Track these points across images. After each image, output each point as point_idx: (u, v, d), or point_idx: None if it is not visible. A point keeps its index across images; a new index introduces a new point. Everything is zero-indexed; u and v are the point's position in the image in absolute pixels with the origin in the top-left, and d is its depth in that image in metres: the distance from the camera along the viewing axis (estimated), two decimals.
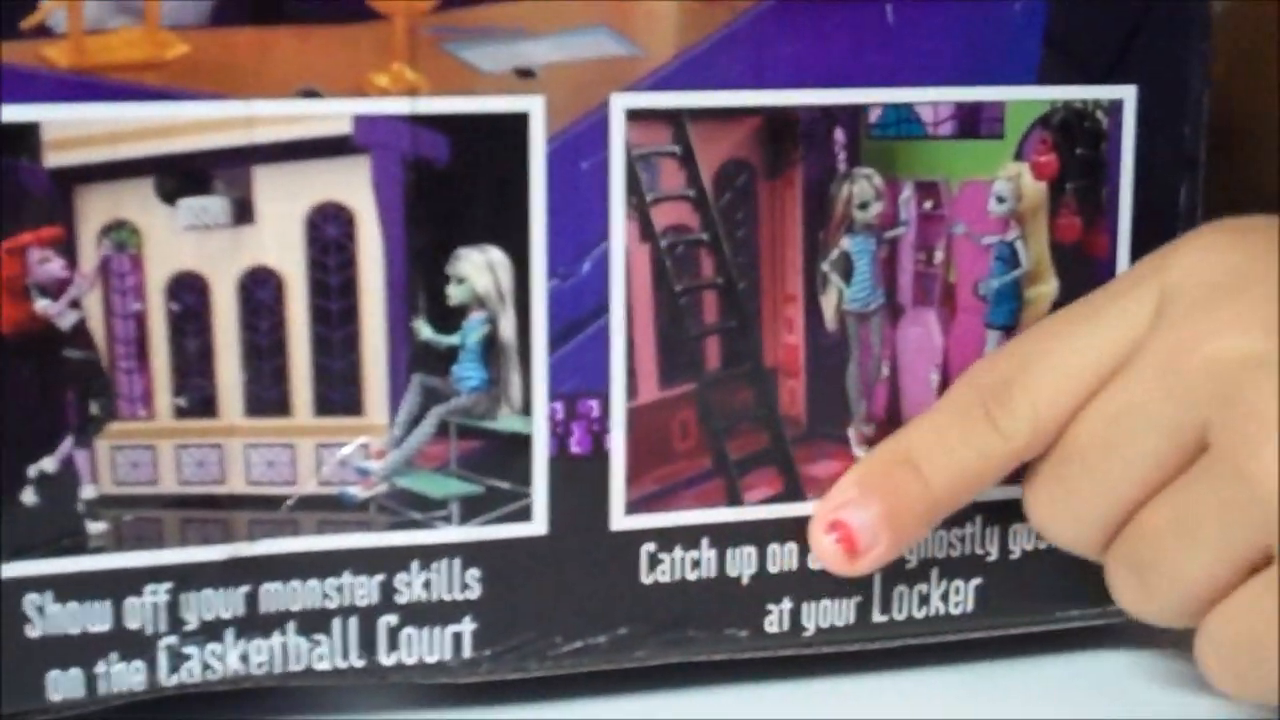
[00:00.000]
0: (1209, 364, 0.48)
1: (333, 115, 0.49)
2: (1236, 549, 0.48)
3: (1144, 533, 0.50)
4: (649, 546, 0.53)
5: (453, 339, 0.51)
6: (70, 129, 0.47)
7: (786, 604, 0.54)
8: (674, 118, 0.51)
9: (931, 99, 0.53)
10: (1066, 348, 0.51)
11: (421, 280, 0.50)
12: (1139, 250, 0.55)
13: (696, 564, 0.54)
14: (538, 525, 0.52)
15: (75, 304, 0.48)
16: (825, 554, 0.53)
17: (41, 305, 0.48)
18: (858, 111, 0.53)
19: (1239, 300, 0.49)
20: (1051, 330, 0.52)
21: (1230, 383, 0.47)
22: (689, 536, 0.53)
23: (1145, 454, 0.49)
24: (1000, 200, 0.54)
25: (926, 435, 0.53)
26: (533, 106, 0.50)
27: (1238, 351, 0.47)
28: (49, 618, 0.49)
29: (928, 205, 0.54)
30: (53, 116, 0.47)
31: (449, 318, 0.51)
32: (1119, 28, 0.54)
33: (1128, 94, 0.54)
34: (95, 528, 0.50)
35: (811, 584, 0.54)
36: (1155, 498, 0.50)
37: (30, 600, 0.49)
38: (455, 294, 0.51)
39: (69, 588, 0.49)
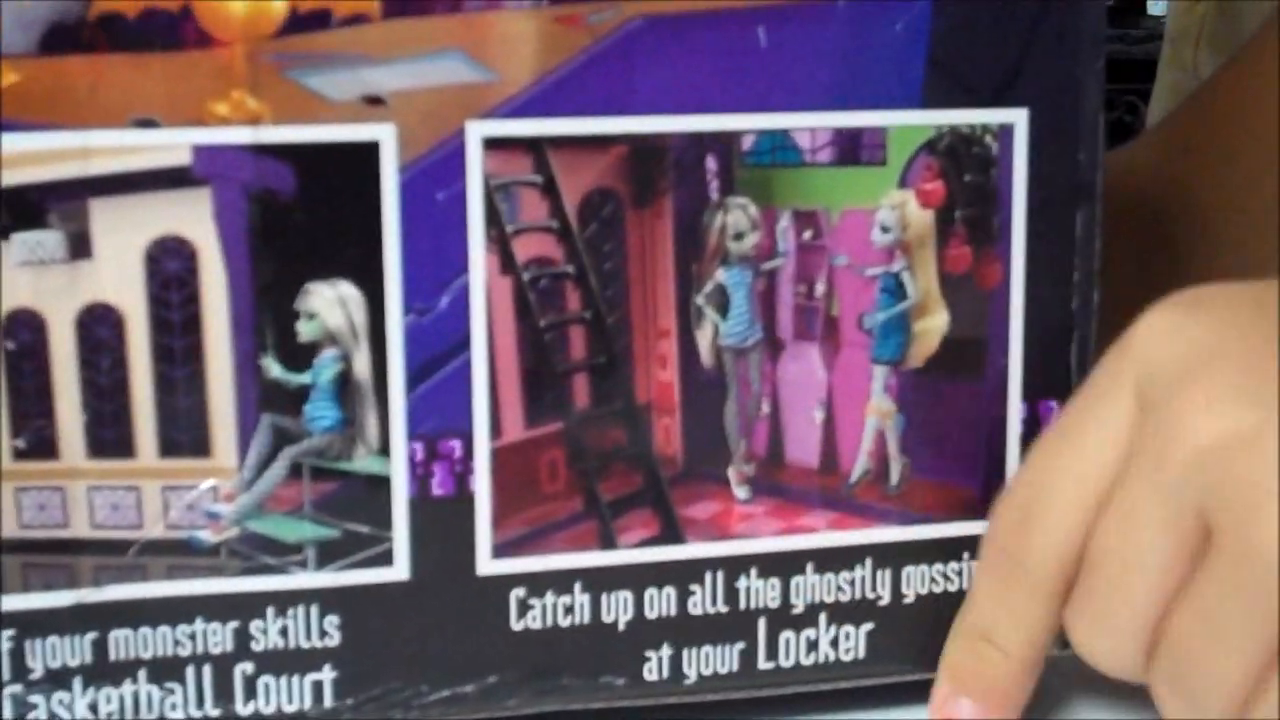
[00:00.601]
0: (1193, 453, 0.46)
1: (171, 145, 0.47)
2: (1265, 633, 0.45)
3: (1173, 642, 0.47)
4: (518, 591, 0.51)
5: (304, 377, 0.49)
6: None
7: (666, 650, 0.52)
8: (534, 146, 0.49)
9: (808, 124, 0.51)
10: (1062, 474, 0.49)
11: (269, 316, 0.48)
12: (1033, 281, 0.53)
13: (569, 610, 0.52)
14: (399, 570, 0.50)
15: None
16: None
17: None
18: (730, 138, 0.51)
19: (1208, 377, 0.46)
20: (1043, 457, 0.50)
21: (1217, 465, 0.45)
22: (561, 581, 0.51)
23: (1155, 557, 0.47)
24: (884, 230, 0.52)
25: (981, 604, 0.52)
26: (383, 135, 0.48)
27: (1217, 432, 0.45)
28: None
29: (807, 235, 0.52)
30: None
31: (299, 355, 0.49)
32: (1008, 47, 0.52)
33: (1018, 117, 0.52)
34: None
35: (692, 630, 0.52)
36: (1177, 603, 0.47)
37: None
38: (305, 330, 0.49)
39: None
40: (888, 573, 0.53)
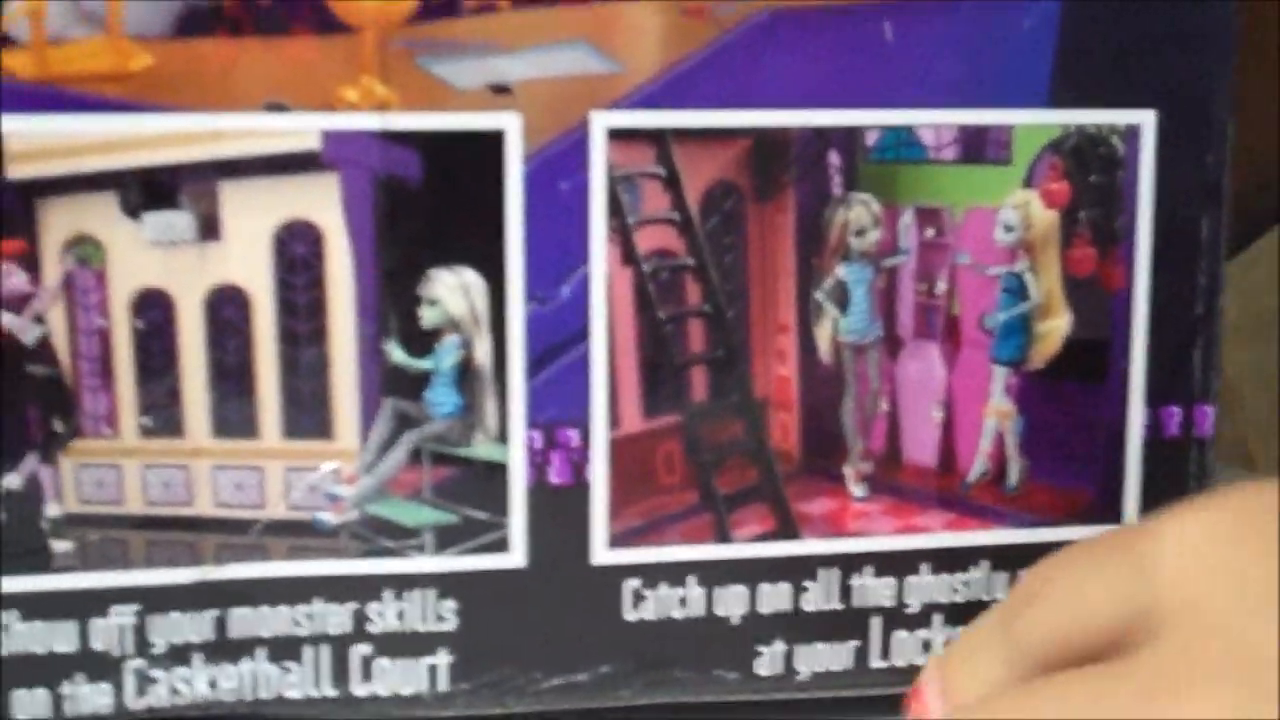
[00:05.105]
0: None
1: (300, 130, 0.48)
2: None
3: None
4: (633, 582, 0.51)
5: (426, 363, 0.50)
6: (32, 140, 0.47)
7: (779, 646, 0.52)
8: (657, 137, 0.50)
9: (933, 121, 0.51)
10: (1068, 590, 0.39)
11: (393, 301, 0.49)
12: (1158, 284, 0.52)
13: (683, 602, 0.52)
14: (516, 557, 0.51)
15: (39, 319, 0.48)
16: None
17: (4, 320, 0.48)
18: (854, 133, 0.51)
19: (1222, 656, 0.36)
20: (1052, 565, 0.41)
21: None
22: (675, 573, 0.52)
23: None
24: (1008, 229, 0.52)
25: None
26: (508, 124, 0.49)
27: None
28: (14, 636, 0.49)
29: (929, 233, 0.52)
30: (14, 128, 0.46)
31: (422, 341, 0.49)
32: (1137, 48, 0.52)
33: (1146, 119, 0.52)
34: (60, 546, 0.49)
35: (805, 626, 0.52)
36: None
37: None
38: (428, 316, 0.49)
39: (34, 606, 0.49)
40: (1004, 575, 0.53)
